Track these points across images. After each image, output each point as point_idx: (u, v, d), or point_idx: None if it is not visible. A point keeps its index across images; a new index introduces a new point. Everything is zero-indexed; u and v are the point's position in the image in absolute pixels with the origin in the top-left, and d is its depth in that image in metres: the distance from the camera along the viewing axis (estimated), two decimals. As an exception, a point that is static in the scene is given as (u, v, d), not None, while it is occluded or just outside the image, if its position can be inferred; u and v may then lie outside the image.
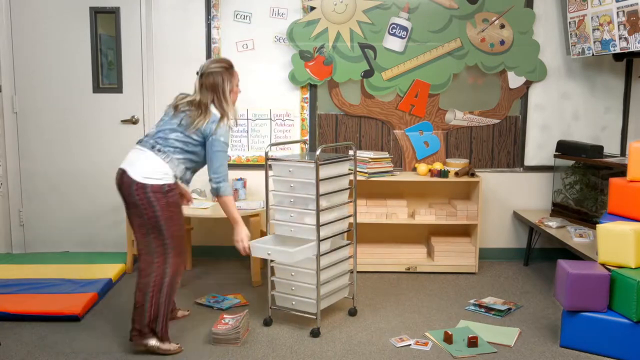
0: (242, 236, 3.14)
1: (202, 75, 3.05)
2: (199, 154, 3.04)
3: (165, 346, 3.02)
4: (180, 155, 2.98)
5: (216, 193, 3.05)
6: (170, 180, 2.95)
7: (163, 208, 2.91)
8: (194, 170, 3.12)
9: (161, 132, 3.01)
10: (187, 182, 3.14)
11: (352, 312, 3.56)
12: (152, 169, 2.91)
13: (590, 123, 4.59)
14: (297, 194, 3.26)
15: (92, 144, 4.60)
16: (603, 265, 3.11)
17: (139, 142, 3.04)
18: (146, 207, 2.89)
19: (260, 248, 3.23)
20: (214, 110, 3.02)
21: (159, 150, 2.95)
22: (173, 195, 2.96)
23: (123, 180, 2.93)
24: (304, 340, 3.21)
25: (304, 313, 3.35)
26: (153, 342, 2.99)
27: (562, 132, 4.59)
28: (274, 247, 3.22)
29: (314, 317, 3.29)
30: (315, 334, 3.25)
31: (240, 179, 4.38)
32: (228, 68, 3.11)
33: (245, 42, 4.50)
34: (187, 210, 4.07)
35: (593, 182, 4.25)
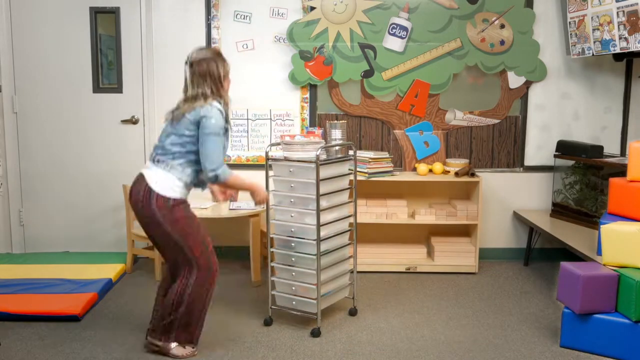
0: (262, 196, 3.02)
1: (193, 64, 2.84)
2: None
3: (179, 351, 2.98)
4: (181, 159, 2.82)
5: (215, 181, 2.84)
6: (177, 194, 2.83)
7: (171, 223, 2.81)
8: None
9: (159, 142, 2.89)
10: (203, 185, 3.00)
11: (353, 312, 3.56)
12: (155, 182, 2.80)
13: (590, 123, 4.59)
14: (298, 194, 3.26)
15: (92, 144, 4.60)
16: (605, 265, 3.11)
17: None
18: (154, 224, 2.82)
19: None
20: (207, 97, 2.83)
21: (158, 161, 2.83)
22: (179, 209, 2.83)
23: (131, 198, 2.86)
24: (304, 340, 3.21)
25: (304, 313, 3.35)
26: (160, 343, 2.99)
27: (562, 132, 4.59)
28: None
29: (314, 317, 3.30)
30: (315, 334, 3.25)
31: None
32: (219, 54, 2.92)
33: (245, 42, 4.50)
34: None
35: (593, 182, 4.25)
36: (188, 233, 2.86)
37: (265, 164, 3.39)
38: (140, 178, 2.85)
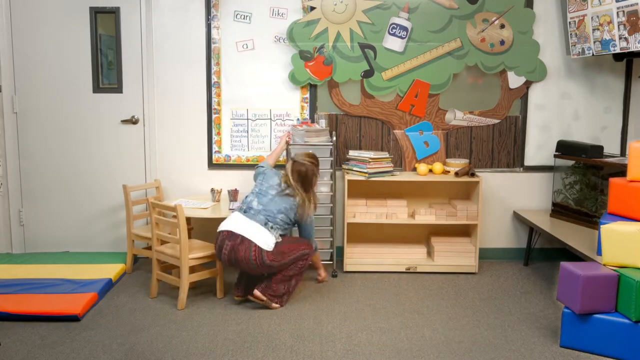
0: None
1: (295, 161, 3.70)
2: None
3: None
4: (284, 232, 3.68)
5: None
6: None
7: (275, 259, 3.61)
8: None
9: (268, 210, 3.60)
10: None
11: (334, 275, 4.01)
12: (265, 241, 3.53)
13: (590, 123, 4.59)
14: None
15: (92, 144, 4.60)
16: (605, 265, 3.11)
17: (245, 212, 3.63)
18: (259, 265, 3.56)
19: None
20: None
21: (271, 228, 3.57)
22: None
23: (239, 254, 3.51)
24: (304, 340, 3.21)
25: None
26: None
27: (562, 132, 4.59)
28: None
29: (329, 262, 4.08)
30: (335, 275, 4.11)
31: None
32: (317, 165, 3.79)
33: (245, 42, 4.50)
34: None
35: (593, 182, 4.25)
36: (281, 262, 3.62)
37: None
38: (246, 241, 3.51)
